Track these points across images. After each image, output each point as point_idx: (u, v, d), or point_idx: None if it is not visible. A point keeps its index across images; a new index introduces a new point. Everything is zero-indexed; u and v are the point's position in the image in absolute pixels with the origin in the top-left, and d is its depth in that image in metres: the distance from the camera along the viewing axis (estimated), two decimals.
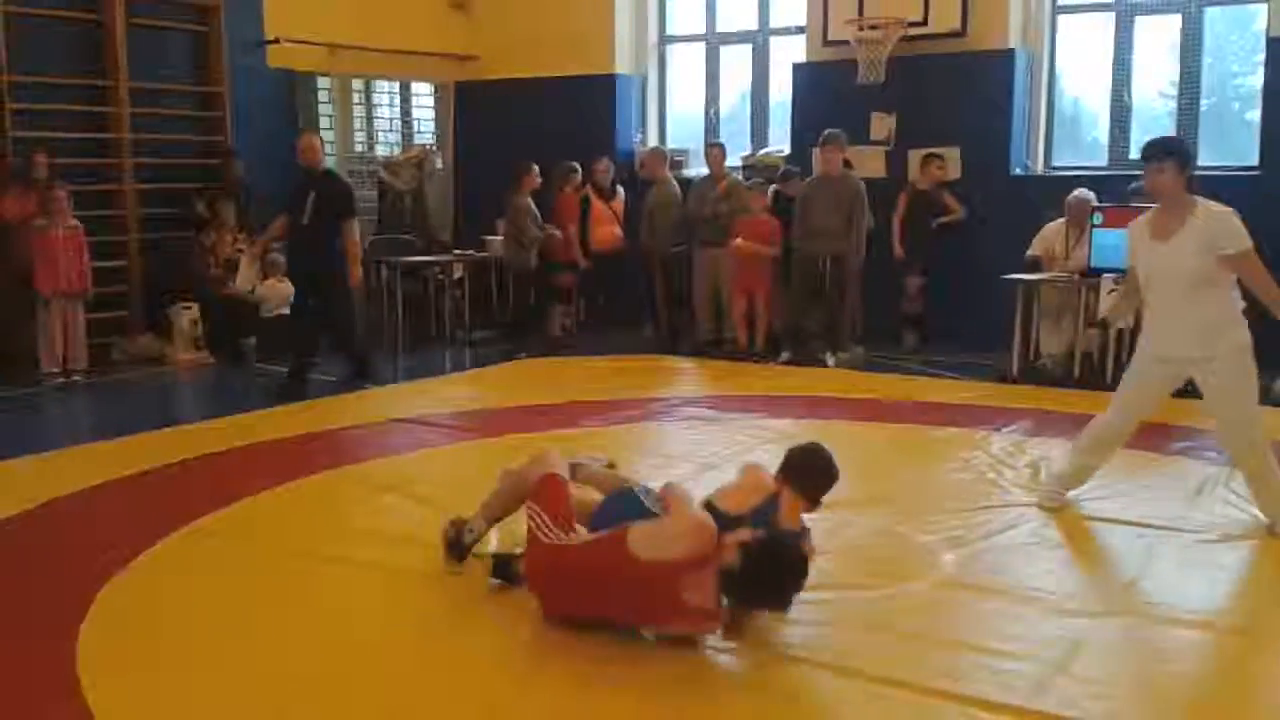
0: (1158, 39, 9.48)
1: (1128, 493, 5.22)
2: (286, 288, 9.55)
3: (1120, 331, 7.99)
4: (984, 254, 8.93)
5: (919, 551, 4.35)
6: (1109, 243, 8.09)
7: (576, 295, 10.67)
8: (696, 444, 6.22)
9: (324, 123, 11.03)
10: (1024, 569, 4.23)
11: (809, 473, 3.86)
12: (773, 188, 9.59)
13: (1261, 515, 4.61)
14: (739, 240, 9.21)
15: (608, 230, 10.46)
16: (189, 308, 9.24)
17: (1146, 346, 4.80)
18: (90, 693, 3.12)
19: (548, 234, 10.07)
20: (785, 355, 9.23)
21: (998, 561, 4.33)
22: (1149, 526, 4.66)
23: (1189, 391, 5.03)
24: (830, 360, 9.01)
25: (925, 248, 9.43)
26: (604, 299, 10.73)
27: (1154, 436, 6.45)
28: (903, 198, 9.50)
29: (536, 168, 10.03)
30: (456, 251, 11.03)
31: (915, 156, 9.75)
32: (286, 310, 9.52)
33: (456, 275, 10.88)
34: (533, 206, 10.05)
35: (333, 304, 8.31)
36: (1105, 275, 7.96)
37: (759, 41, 11.21)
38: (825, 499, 3.85)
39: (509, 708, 3.10)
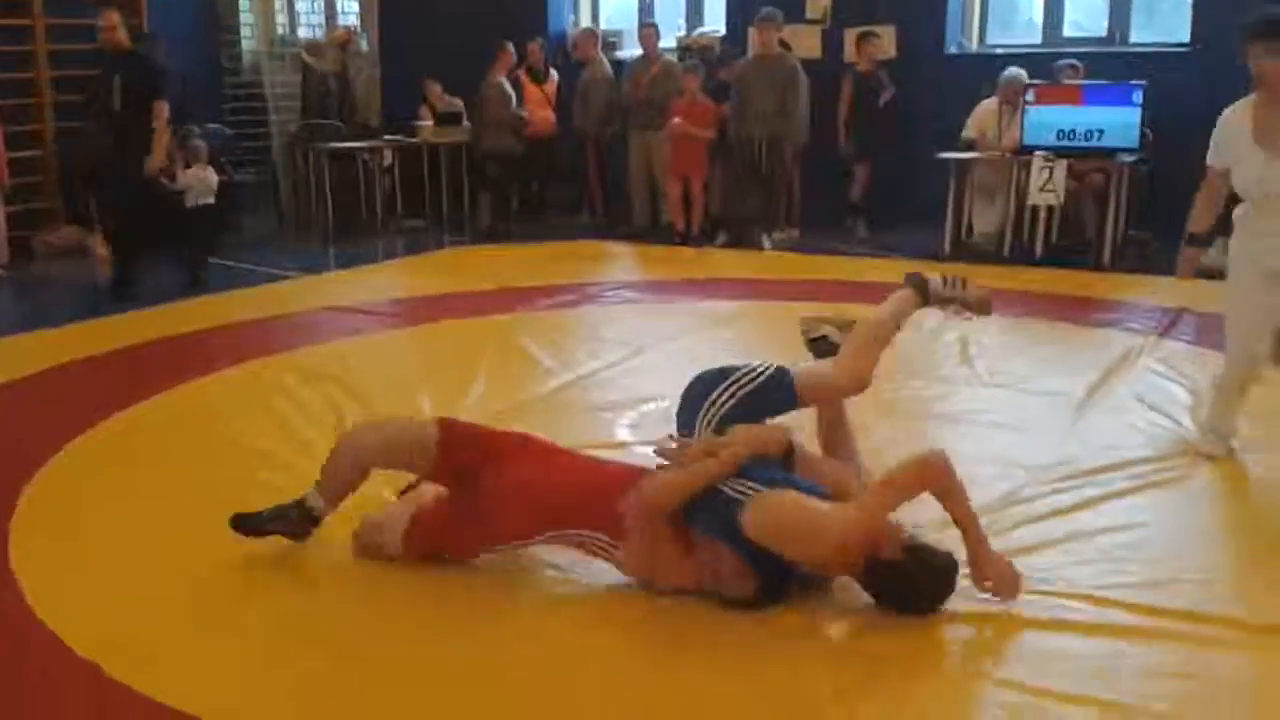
0: None
1: (1052, 363, 5.32)
2: (211, 176, 9.29)
3: (1050, 210, 8.09)
4: (924, 135, 8.90)
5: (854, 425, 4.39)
6: (1041, 120, 8.13)
7: (509, 182, 10.53)
8: (632, 328, 6.21)
9: (244, 3, 10.64)
10: (954, 440, 4.32)
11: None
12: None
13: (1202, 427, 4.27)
14: (675, 120, 9.10)
15: (541, 114, 10.29)
16: None
17: (1259, 262, 3.92)
18: (28, 593, 3.09)
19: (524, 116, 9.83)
20: (721, 239, 9.22)
21: (932, 434, 4.41)
22: (1068, 395, 4.76)
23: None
24: (766, 243, 9.02)
25: (872, 133, 9.30)
26: (538, 185, 10.61)
27: (1078, 309, 6.58)
28: (846, 84, 9.37)
29: (511, 45, 9.76)
30: (385, 137, 10.79)
31: (851, 35, 9.63)
32: (211, 199, 9.28)
33: (386, 162, 10.66)
34: (508, 87, 9.81)
35: (120, 194, 7.73)
36: (1037, 153, 8.01)
37: None
38: None
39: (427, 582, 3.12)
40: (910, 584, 2.82)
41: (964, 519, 2.91)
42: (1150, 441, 4.22)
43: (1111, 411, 4.60)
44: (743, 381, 3.18)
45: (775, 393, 3.17)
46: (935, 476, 2.89)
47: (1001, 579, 2.90)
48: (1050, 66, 8.52)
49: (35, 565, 3.25)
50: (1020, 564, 3.11)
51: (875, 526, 2.79)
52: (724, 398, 3.16)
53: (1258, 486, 3.81)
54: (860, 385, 3.26)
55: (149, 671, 2.63)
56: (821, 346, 3.48)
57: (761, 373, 3.20)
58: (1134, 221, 8.33)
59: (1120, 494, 3.70)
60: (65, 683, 2.64)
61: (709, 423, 3.12)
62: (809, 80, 8.92)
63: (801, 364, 3.35)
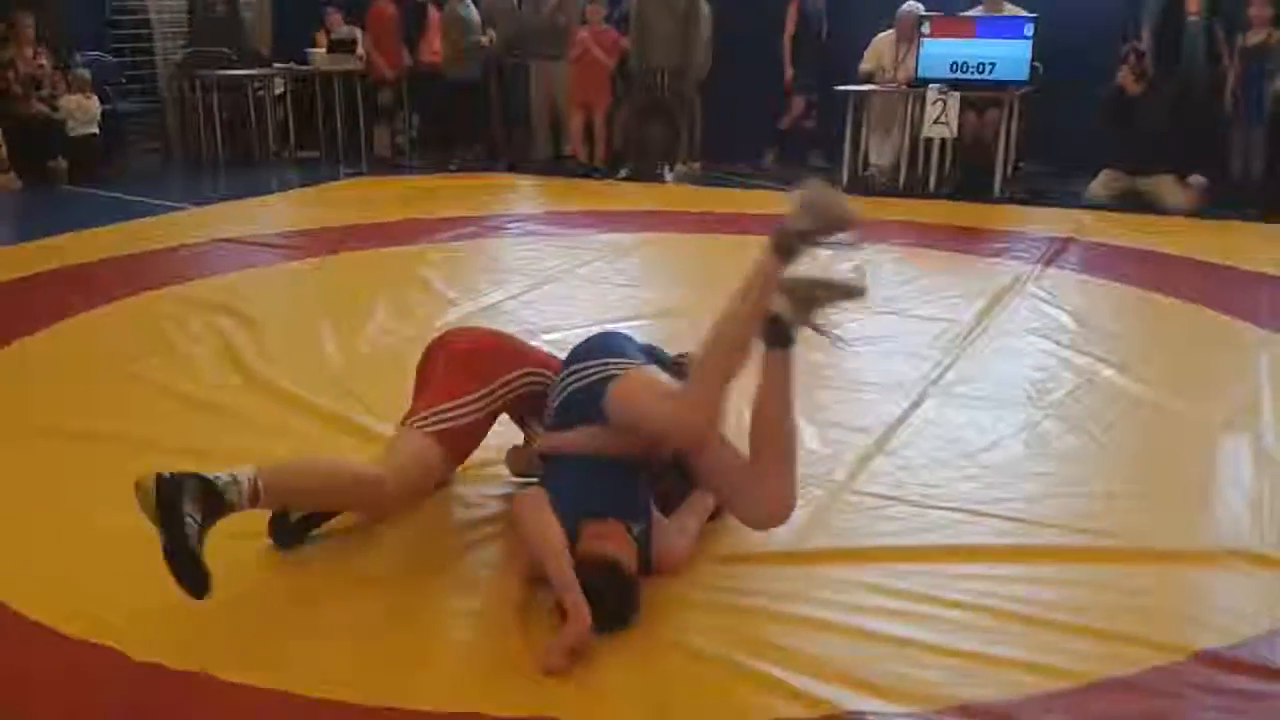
0: None
1: (943, 291, 5.46)
2: (93, 104, 8.99)
3: (943, 142, 8.24)
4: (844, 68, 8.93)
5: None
6: (936, 53, 8.25)
7: (407, 111, 10.35)
8: (533, 259, 6.21)
9: None
10: (845, 363, 4.42)
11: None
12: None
13: None
14: (583, 34, 9.03)
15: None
16: None
17: None
18: None
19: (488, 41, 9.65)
20: (624, 171, 9.21)
21: (822, 359, 4.50)
22: (958, 321, 4.91)
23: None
24: (668, 176, 9.04)
25: (814, 64, 9.26)
26: (436, 115, 10.44)
27: (968, 239, 6.76)
28: (791, 12, 9.29)
29: None
30: (277, 65, 10.49)
31: None
32: (95, 128, 8.99)
33: (278, 91, 10.38)
34: (471, 12, 9.58)
35: None
36: (931, 85, 8.13)
37: None
38: None
39: None
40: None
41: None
42: (1036, 365, 4.38)
43: (998, 336, 4.76)
44: (588, 374, 2.78)
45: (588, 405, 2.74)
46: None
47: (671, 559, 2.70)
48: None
49: None
50: (908, 479, 3.25)
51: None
52: (572, 381, 2.81)
53: (1136, 405, 3.99)
54: (693, 435, 2.66)
55: (48, 604, 2.60)
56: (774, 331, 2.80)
57: (596, 375, 2.76)
58: (1023, 152, 8.54)
59: (1003, 415, 3.85)
60: None
61: (557, 400, 2.84)
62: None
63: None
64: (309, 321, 4.91)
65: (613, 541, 2.55)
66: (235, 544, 2.71)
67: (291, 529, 2.85)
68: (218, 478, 2.49)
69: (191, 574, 2.40)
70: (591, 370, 2.78)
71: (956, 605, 2.62)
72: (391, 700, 2.26)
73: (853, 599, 2.66)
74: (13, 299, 5.40)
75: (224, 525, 2.53)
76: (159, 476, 2.42)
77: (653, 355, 2.98)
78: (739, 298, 2.69)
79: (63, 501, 3.16)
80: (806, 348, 4.49)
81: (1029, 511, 3.10)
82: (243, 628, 2.54)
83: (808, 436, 3.54)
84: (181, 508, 2.40)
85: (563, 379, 2.86)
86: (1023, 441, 3.61)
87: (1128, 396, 4.06)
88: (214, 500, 2.46)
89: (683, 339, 4.46)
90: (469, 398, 2.91)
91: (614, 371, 2.75)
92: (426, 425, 2.85)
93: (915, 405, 3.92)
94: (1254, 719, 2.24)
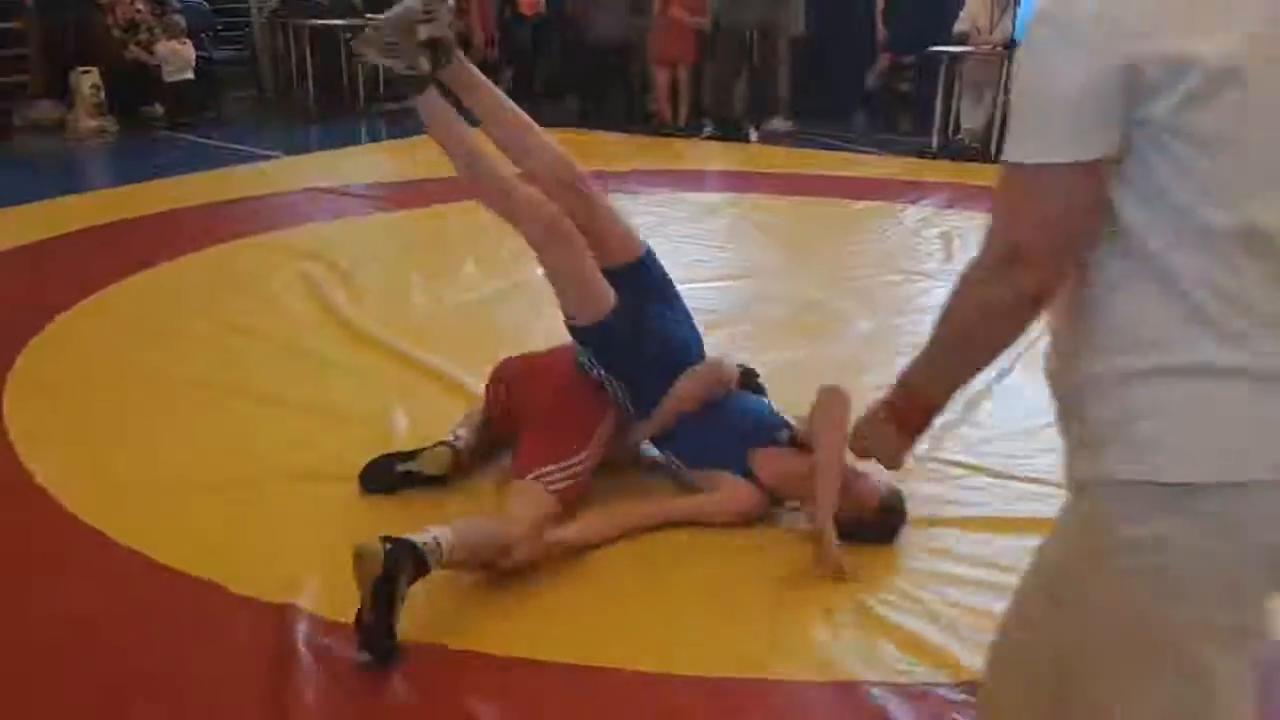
0: None
1: None
2: (189, 51, 9.17)
3: None
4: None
5: (836, 317, 4.47)
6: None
7: (502, 64, 10.35)
8: (624, 211, 6.21)
9: None
10: (928, 332, 4.39)
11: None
12: None
13: None
14: (675, 11, 8.96)
15: None
16: (89, 72, 8.83)
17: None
18: (28, 462, 3.14)
19: None
20: (708, 129, 9.16)
21: (912, 325, 4.48)
22: None
23: None
24: (753, 135, 8.97)
25: (911, 24, 8.98)
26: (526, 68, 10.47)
27: None
28: None
29: None
30: (368, 15, 10.57)
31: None
32: (190, 74, 9.17)
33: None
34: None
35: None
36: None
37: None
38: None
39: None
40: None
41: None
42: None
43: None
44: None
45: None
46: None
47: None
48: None
49: (31, 434, 3.30)
50: (991, 450, 3.22)
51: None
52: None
53: None
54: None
55: (153, 537, 2.71)
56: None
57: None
58: None
59: None
60: (73, 550, 2.71)
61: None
62: None
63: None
64: (398, 272, 4.99)
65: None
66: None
67: (393, 478, 2.93)
68: (426, 544, 2.31)
69: (384, 648, 2.25)
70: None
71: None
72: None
73: (931, 566, 2.66)
74: (108, 243, 5.56)
75: None
76: (387, 549, 2.23)
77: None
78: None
79: (158, 447, 3.28)
80: (892, 314, 4.52)
81: None
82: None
83: None
84: (399, 585, 2.24)
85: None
86: None
87: None
88: (420, 569, 2.30)
89: (766, 299, 4.47)
90: (584, 455, 2.86)
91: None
92: (554, 483, 2.77)
93: (1002, 374, 3.87)
94: None
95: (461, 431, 3.04)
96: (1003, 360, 3.82)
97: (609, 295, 2.92)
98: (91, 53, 8.88)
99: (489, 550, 2.49)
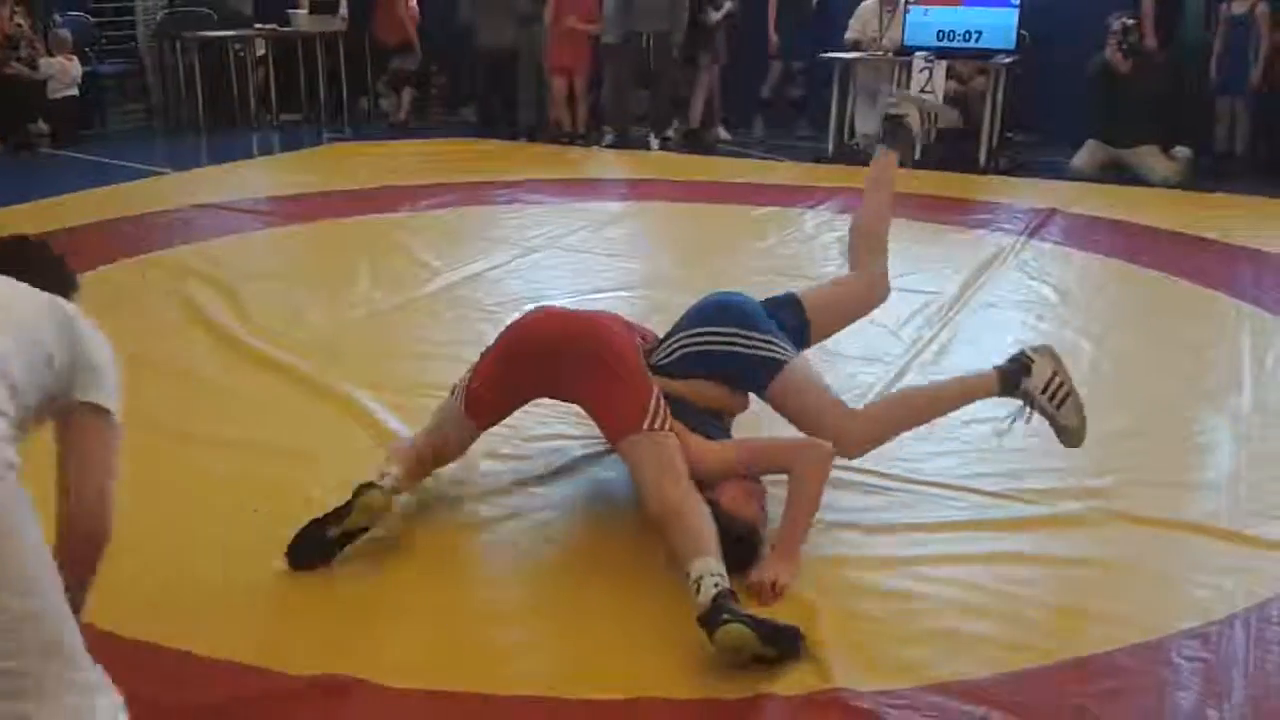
0: None
1: (926, 263, 5.47)
2: (74, 66, 8.90)
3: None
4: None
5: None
6: (922, 20, 8.22)
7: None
8: (517, 227, 6.18)
9: None
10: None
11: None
12: None
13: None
14: (571, 19, 8.93)
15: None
16: None
17: None
18: None
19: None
20: (608, 138, 9.16)
21: None
22: (941, 294, 4.91)
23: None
24: (654, 143, 8.99)
25: (802, 32, 9.10)
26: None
27: (953, 210, 6.76)
28: None
29: None
30: (257, 26, 10.37)
31: None
32: (74, 91, 8.90)
33: (259, 53, 10.27)
34: None
35: None
36: (917, 53, 8.10)
37: None
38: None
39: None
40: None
41: (800, 512, 2.72)
42: (1018, 339, 4.39)
43: (981, 309, 4.78)
44: (744, 344, 2.96)
45: (753, 378, 2.98)
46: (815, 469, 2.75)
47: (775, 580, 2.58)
48: None
49: None
50: (888, 453, 3.25)
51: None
52: (710, 341, 2.98)
53: (1115, 379, 4.01)
54: (843, 452, 2.88)
55: None
56: (895, 130, 3.60)
57: (769, 352, 2.95)
58: (1009, 123, 8.52)
59: None
60: None
61: (673, 350, 3.00)
62: None
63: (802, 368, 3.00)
64: (291, 289, 4.90)
65: (756, 502, 2.75)
66: None
67: (326, 544, 2.67)
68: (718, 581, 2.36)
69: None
70: (725, 339, 2.97)
71: (936, 581, 2.65)
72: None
73: (833, 574, 2.68)
74: None
75: None
76: (753, 624, 2.25)
77: (775, 317, 3.10)
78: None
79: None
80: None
81: (1008, 486, 3.12)
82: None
83: None
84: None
85: (690, 335, 2.99)
86: (1002, 416, 3.61)
87: (1107, 370, 4.09)
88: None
89: (669, 309, 4.47)
90: (654, 384, 2.77)
91: (768, 353, 2.94)
92: (662, 423, 2.68)
93: (897, 378, 3.94)
94: (1235, 698, 2.27)
95: (393, 469, 2.80)
96: (898, 363, 3.95)
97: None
98: None
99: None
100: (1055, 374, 2.94)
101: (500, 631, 2.48)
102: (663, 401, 2.72)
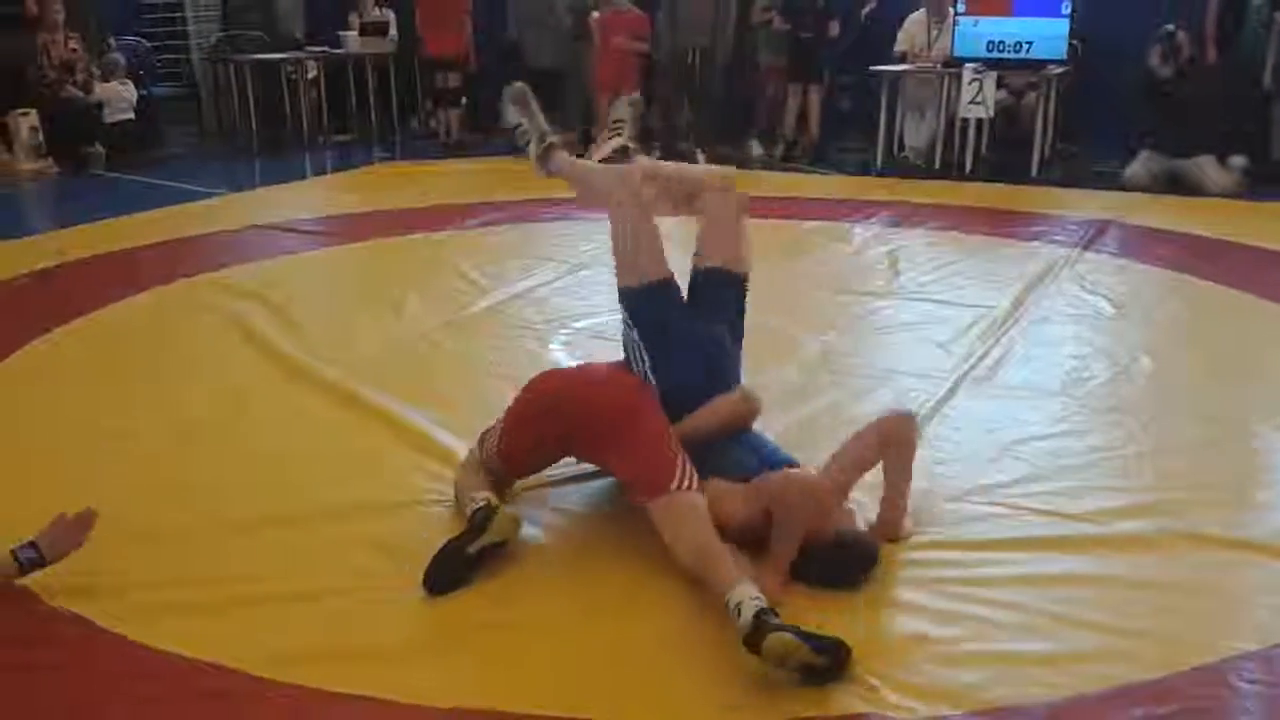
0: None
1: (978, 277, 5.41)
2: (128, 90, 9.07)
3: (980, 122, 8.14)
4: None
5: (785, 340, 4.45)
6: (972, 32, 8.15)
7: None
8: (565, 244, 6.19)
9: None
10: (878, 351, 4.40)
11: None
12: None
13: None
14: (620, 39, 8.96)
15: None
16: (27, 114, 8.68)
17: None
18: None
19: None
20: (655, 154, 9.15)
21: (858, 347, 4.49)
22: (994, 308, 4.85)
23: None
24: (700, 156, 8.98)
25: (852, 45, 9.02)
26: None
27: (1005, 222, 6.68)
28: None
29: None
30: (309, 48, 10.52)
31: None
32: (130, 114, 9.06)
33: (311, 75, 10.41)
34: None
35: None
36: (966, 65, 8.03)
37: None
38: None
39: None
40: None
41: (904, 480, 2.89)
42: (1073, 354, 4.33)
43: (1035, 323, 4.70)
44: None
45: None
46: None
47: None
48: None
49: None
50: (940, 472, 3.21)
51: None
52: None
53: (1175, 395, 3.93)
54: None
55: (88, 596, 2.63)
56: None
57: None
58: (1062, 133, 8.43)
59: (1039, 405, 3.80)
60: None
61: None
62: None
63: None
64: (341, 308, 4.94)
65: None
66: None
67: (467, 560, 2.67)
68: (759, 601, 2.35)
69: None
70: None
71: (989, 603, 2.59)
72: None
73: (885, 593, 2.64)
74: (49, 287, 5.44)
75: None
76: (793, 631, 2.25)
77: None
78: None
79: (85, 492, 3.19)
80: (840, 335, 4.52)
81: (1063, 505, 3.06)
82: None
83: (841, 428, 3.52)
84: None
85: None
86: (1059, 434, 3.57)
87: (1167, 386, 4.01)
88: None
89: None
90: (677, 444, 2.79)
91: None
92: (688, 482, 2.69)
93: (949, 395, 3.88)
94: None
95: (485, 493, 2.84)
96: (949, 379, 3.89)
97: (663, 269, 3.12)
98: (27, 94, 8.74)
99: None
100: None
101: (630, 661, 2.44)
102: (688, 467, 2.71)
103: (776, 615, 2.31)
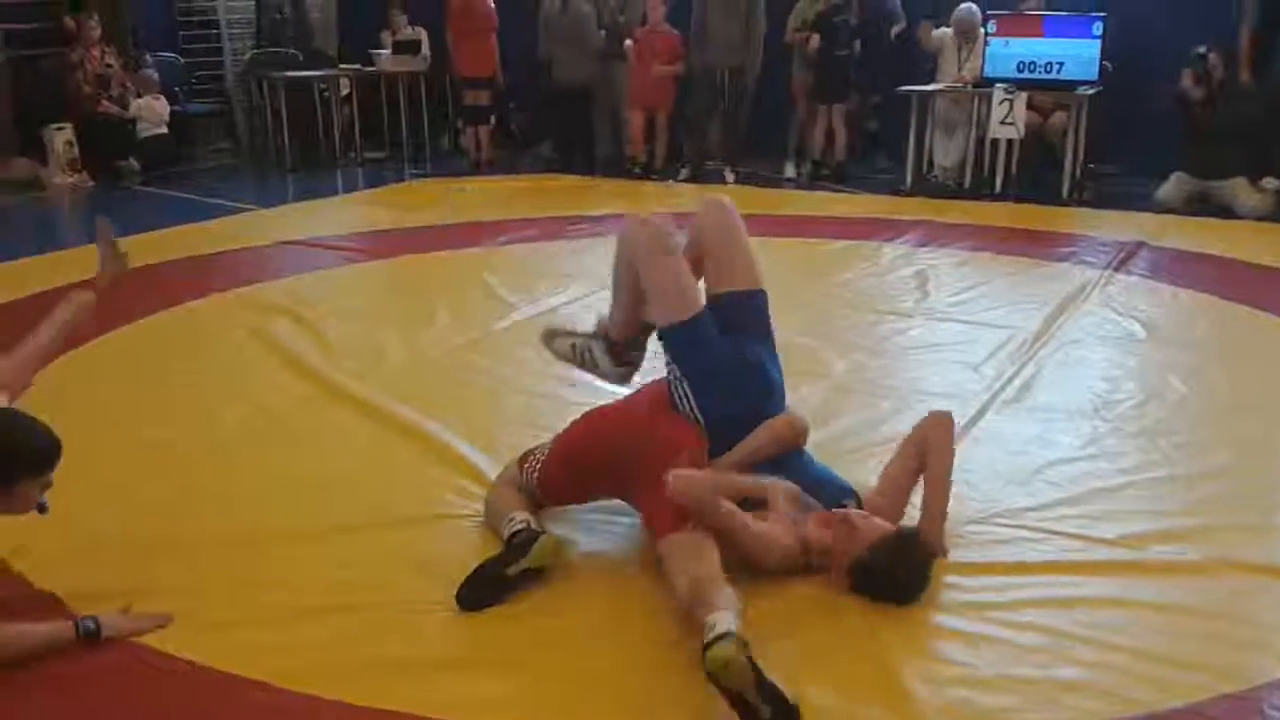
0: None
1: (1008, 298, 5.38)
2: (162, 105, 9.19)
3: (1010, 143, 8.12)
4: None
5: (813, 359, 4.44)
6: (1002, 52, 8.14)
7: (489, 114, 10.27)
8: (595, 263, 6.20)
9: None
10: (908, 371, 4.39)
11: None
12: None
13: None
14: (658, 67, 9.01)
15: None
16: (63, 128, 8.80)
17: None
18: None
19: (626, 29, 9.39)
20: (684, 173, 9.18)
21: (888, 367, 4.48)
22: (1023, 329, 4.82)
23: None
24: (729, 176, 9.00)
25: (881, 64, 9.04)
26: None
27: (1035, 243, 6.65)
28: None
29: None
30: (342, 66, 10.61)
31: None
32: (164, 129, 9.18)
33: (344, 92, 10.50)
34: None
35: None
36: (997, 85, 8.01)
37: None
38: None
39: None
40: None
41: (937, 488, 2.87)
42: (1103, 376, 4.30)
43: (1065, 345, 4.68)
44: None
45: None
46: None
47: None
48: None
49: None
50: (970, 494, 3.19)
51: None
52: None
53: (1207, 419, 3.90)
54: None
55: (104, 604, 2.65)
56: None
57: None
58: (1093, 154, 8.39)
59: (1069, 428, 3.78)
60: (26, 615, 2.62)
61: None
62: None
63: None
64: (371, 324, 4.97)
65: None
66: None
67: (506, 581, 2.68)
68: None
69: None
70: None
71: (1018, 626, 2.58)
72: None
73: (913, 615, 2.63)
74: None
75: None
76: (746, 659, 2.19)
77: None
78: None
79: (142, 506, 3.22)
80: (869, 355, 4.51)
81: (1094, 529, 3.03)
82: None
83: (870, 449, 3.52)
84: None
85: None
86: (1089, 456, 3.54)
87: (1199, 409, 3.98)
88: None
89: None
90: None
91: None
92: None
93: (978, 417, 3.86)
94: None
95: (524, 515, 2.88)
96: (978, 400, 3.87)
97: (698, 301, 3.01)
98: (64, 109, 8.86)
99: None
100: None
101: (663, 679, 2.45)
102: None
103: (749, 647, 2.23)
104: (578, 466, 2.98)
